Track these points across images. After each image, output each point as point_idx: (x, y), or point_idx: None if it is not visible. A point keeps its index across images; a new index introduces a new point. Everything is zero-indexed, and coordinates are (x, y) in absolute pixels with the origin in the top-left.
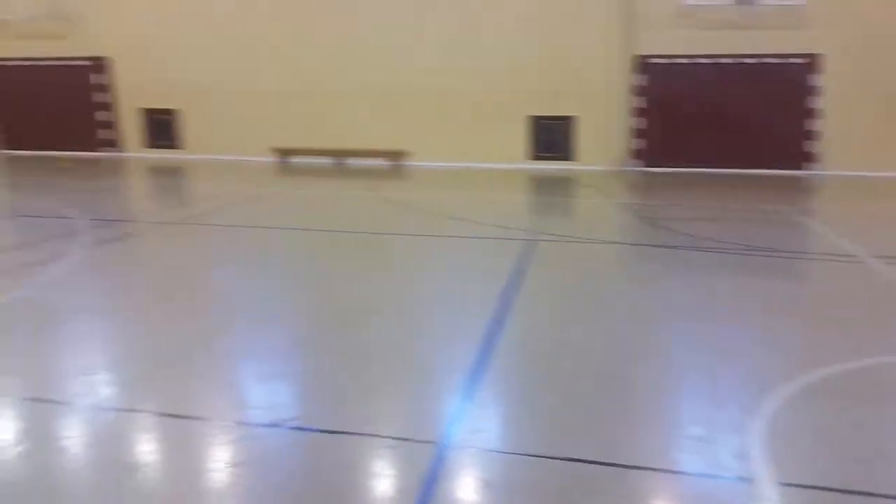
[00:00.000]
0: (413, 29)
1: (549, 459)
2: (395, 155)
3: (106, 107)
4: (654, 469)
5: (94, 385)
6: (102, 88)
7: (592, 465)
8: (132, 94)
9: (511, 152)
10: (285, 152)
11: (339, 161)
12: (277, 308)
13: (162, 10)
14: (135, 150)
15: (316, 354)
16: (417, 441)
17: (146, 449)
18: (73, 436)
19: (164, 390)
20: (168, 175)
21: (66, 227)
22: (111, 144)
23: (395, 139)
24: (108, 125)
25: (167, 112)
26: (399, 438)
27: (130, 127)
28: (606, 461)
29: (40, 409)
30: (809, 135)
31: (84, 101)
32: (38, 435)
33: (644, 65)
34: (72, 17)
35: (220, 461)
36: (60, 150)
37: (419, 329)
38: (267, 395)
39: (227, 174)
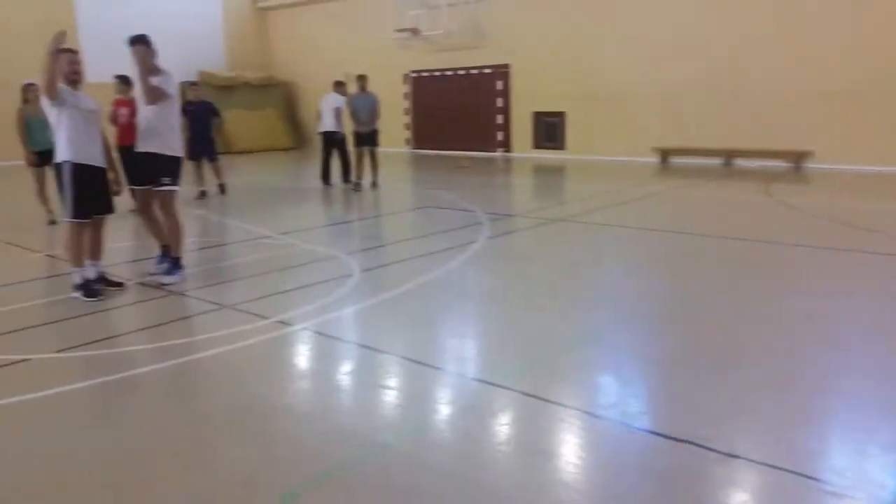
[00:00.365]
0: (820, 25)
1: None
2: (797, 156)
3: (503, 111)
4: None
5: (496, 363)
6: (503, 94)
7: None
8: (526, 99)
9: None
10: (667, 152)
11: (728, 161)
12: (666, 313)
13: (557, 20)
14: (522, 150)
15: (723, 369)
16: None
17: (560, 440)
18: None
19: (558, 376)
20: (552, 174)
21: (468, 218)
22: (504, 145)
23: (795, 138)
24: (503, 127)
25: (555, 115)
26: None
27: (521, 129)
28: None
29: (425, 373)
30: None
31: (488, 106)
32: (466, 407)
33: None
34: (485, 29)
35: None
36: (460, 150)
37: (838, 357)
38: (658, 400)
39: (608, 174)
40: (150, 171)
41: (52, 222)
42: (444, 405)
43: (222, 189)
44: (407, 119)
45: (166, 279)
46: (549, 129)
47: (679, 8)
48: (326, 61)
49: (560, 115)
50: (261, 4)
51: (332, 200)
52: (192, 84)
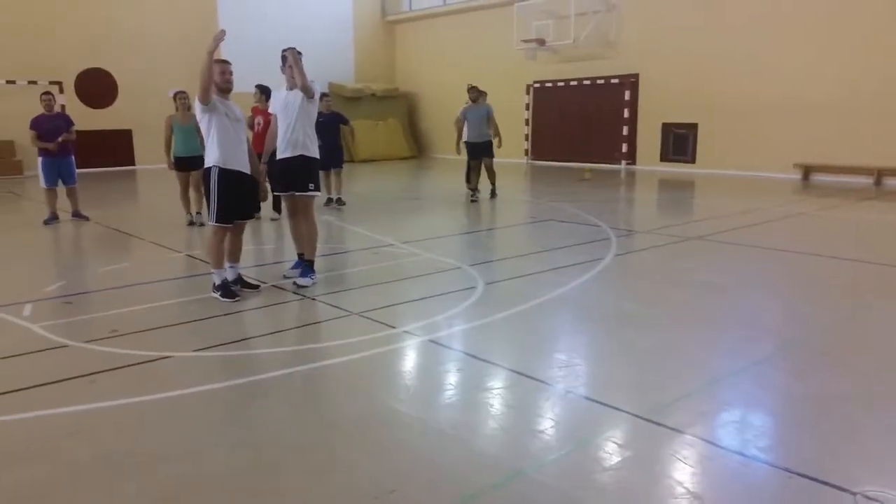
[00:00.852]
0: None
1: None
2: None
3: (629, 121)
4: None
5: (641, 392)
6: (630, 104)
7: None
8: (654, 109)
9: None
10: (810, 169)
11: (878, 180)
12: (812, 343)
13: (689, 29)
14: (649, 163)
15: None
16: None
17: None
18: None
19: (695, 408)
20: (682, 189)
21: (594, 233)
22: (629, 157)
23: None
24: (629, 139)
25: (686, 126)
26: None
27: (648, 141)
28: None
29: (595, 409)
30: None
31: (613, 117)
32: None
33: None
34: (613, 38)
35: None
36: (581, 161)
37: None
38: (799, 438)
39: (744, 190)
40: (302, 176)
41: (191, 223)
42: (572, 430)
43: (339, 202)
44: (527, 130)
45: (301, 281)
46: (679, 142)
47: (822, 20)
48: (449, 72)
49: (691, 127)
50: (389, 18)
51: (454, 210)
52: (323, 95)
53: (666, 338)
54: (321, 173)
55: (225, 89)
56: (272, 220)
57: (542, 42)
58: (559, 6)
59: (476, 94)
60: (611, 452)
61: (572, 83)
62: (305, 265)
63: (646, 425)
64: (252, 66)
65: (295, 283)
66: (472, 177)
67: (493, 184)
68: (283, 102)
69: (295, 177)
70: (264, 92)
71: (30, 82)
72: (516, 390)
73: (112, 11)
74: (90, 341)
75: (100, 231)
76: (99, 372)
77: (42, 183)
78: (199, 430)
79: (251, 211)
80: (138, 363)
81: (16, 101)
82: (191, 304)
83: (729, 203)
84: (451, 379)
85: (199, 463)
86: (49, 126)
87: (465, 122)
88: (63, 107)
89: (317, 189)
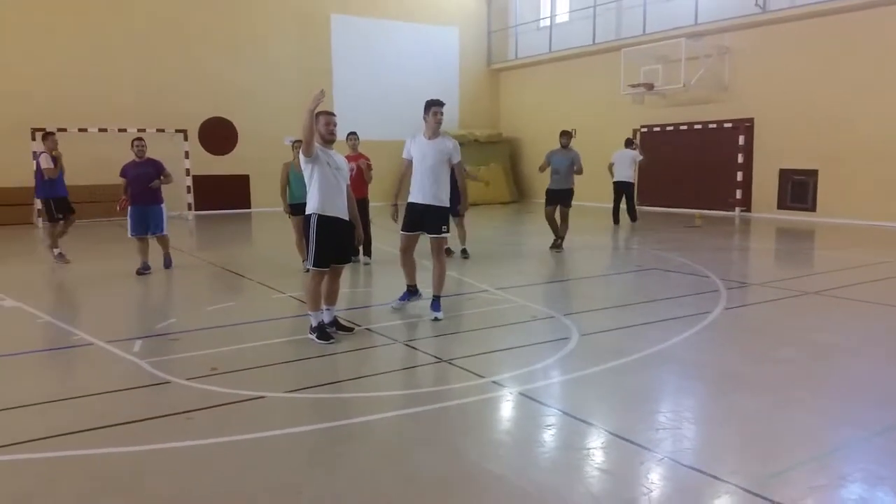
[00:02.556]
0: None
1: None
2: None
3: (744, 167)
4: None
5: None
6: (745, 149)
7: None
8: (771, 155)
9: None
10: None
11: None
12: None
13: (808, 72)
14: (764, 210)
15: None
16: None
17: None
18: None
19: (804, 482)
20: (800, 239)
21: (702, 285)
22: (743, 204)
23: None
24: (743, 185)
25: (805, 172)
26: None
27: (764, 187)
28: None
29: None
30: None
31: (726, 162)
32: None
33: None
34: (726, 82)
35: None
36: (690, 207)
37: None
38: None
39: (870, 241)
40: (435, 220)
41: (308, 270)
42: (669, 501)
43: (464, 253)
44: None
45: (435, 314)
46: (798, 189)
47: None
48: (552, 117)
49: (811, 174)
50: (495, 66)
51: (553, 257)
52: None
53: (776, 402)
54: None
55: (329, 140)
56: (364, 264)
57: (650, 86)
58: (669, 50)
59: (567, 140)
60: None
61: (682, 127)
62: (434, 300)
63: (750, 499)
64: (360, 114)
65: (435, 319)
66: (550, 224)
67: (561, 236)
68: (422, 151)
69: (430, 219)
70: (356, 138)
71: (158, 130)
72: (610, 453)
73: (234, 65)
74: (191, 378)
75: (212, 271)
76: (195, 410)
77: (129, 232)
78: (284, 473)
79: (348, 255)
80: (233, 402)
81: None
82: (288, 345)
83: (851, 255)
84: (540, 436)
85: None
86: (137, 172)
87: (552, 168)
88: (157, 163)
89: (447, 231)
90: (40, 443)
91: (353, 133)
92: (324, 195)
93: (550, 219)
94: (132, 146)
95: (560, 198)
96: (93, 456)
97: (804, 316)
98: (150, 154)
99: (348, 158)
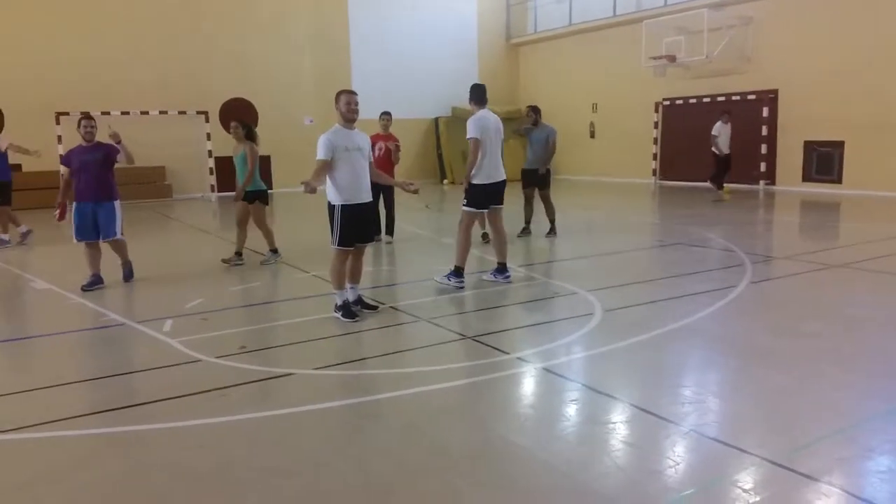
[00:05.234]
0: None
1: None
2: None
3: (768, 140)
4: None
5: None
6: (769, 121)
7: None
8: (796, 127)
9: None
10: None
11: None
12: None
13: (834, 41)
14: (789, 183)
15: None
16: None
17: None
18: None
19: (835, 457)
20: (827, 211)
21: (726, 259)
22: (767, 177)
23: None
24: (768, 158)
25: (831, 144)
26: None
27: (789, 160)
28: None
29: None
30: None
31: (750, 135)
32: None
33: None
34: (750, 53)
35: None
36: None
37: None
38: None
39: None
40: (502, 194)
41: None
42: (694, 472)
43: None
44: (655, 149)
45: (498, 278)
46: (823, 161)
47: None
48: (573, 92)
49: (837, 145)
50: (514, 41)
51: (573, 233)
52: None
53: (802, 375)
54: None
55: (350, 119)
56: (386, 243)
57: (672, 58)
58: (691, 22)
59: (537, 116)
60: (735, 499)
61: (705, 100)
62: (500, 266)
63: (776, 470)
64: (379, 92)
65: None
66: (526, 209)
67: (551, 219)
68: (496, 127)
69: (501, 195)
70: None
71: (179, 112)
72: (635, 426)
73: (253, 46)
74: (221, 356)
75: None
76: (228, 387)
77: (74, 236)
78: (316, 447)
79: (371, 235)
80: (264, 379)
81: (168, 130)
82: (314, 323)
83: (879, 227)
84: (565, 410)
85: (315, 480)
86: (84, 159)
87: (529, 145)
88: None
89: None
90: (81, 419)
91: (387, 113)
92: (346, 184)
93: (529, 202)
94: (79, 127)
95: (538, 179)
96: (132, 432)
97: (830, 289)
98: (178, 135)
99: (378, 138)
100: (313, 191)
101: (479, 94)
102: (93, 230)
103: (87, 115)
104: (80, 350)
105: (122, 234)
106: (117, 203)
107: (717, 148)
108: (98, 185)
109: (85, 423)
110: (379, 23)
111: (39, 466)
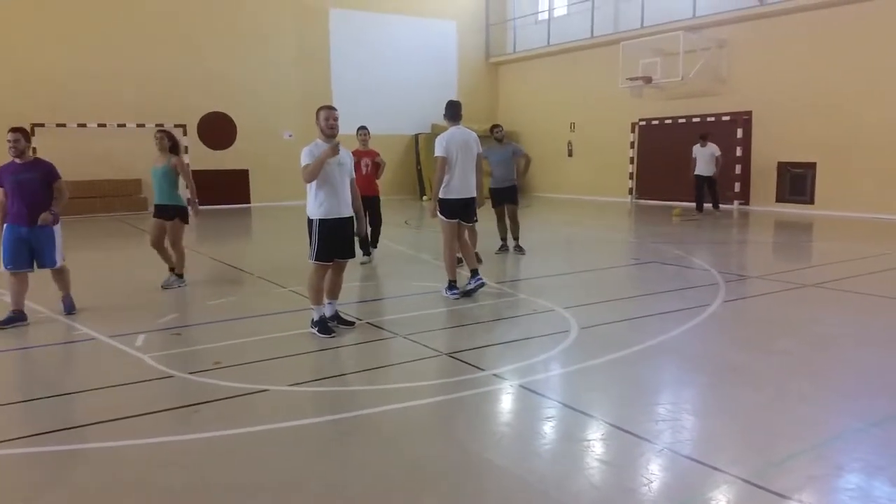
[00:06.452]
0: None
1: None
2: None
3: (742, 160)
4: None
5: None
6: (742, 142)
7: None
8: (769, 148)
9: None
10: None
11: None
12: None
13: (806, 64)
14: (763, 203)
15: None
16: None
17: None
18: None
19: (807, 475)
20: (799, 231)
21: (700, 277)
22: (741, 197)
23: None
24: (742, 178)
25: (804, 165)
26: None
27: (762, 180)
28: None
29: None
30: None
31: (725, 155)
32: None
33: None
34: (724, 75)
35: None
36: (690, 200)
37: None
38: None
39: (870, 234)
40: (473, 211)
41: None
42: (668, 491)
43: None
44: (631, 168)
45: (471, 283)
46: (796, 182)
47: None
48: (551, 111)
49: (810, 167)
50: (493, 59)
51: (550, 251)
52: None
53: (774, 393)
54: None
55: (329, 135)
56: (361, 263)
57: (648, 80)
58: (667, 44)
59: (501, 134)
60: None
61: (680, 120)
62: (473, 274)
63: (749, 489)
64: (359, 108)
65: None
66: (499, 227)
67: (515, 237)
68: (465, 145)
69: (473, 210)
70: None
71: (157, 125)
72: (610, 444)
73: (233, 60)
74: (194, 372)
75: (213, 265)
76: (200, 403)
77: (3, 263)
78: (288, 465)
79: (351, 250)
80: (237, 395)
81: (144, 143)
82: (290, 339)
83: (851, 247)
84: (541, 428)
85: (282, 499)
86: (18, 178)
87: (489, 165)
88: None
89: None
90: (50, 436)
91: (364, 127)
92: (326, 198)
93: (501, 220)
94: (7, 143)
95: (505, 196)
96: (102, 449)
97: (802, 308)
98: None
99: (359, 154)
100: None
101: (451, 111)
102: (27, 258)
103: (14, 129)
104: (49, 365)
105: (63, 261)
106: (57, 228)
107: (697, 170)
108: (34, 207)
109: (54, 439)
110: (359, 39)
111: (6, 484)
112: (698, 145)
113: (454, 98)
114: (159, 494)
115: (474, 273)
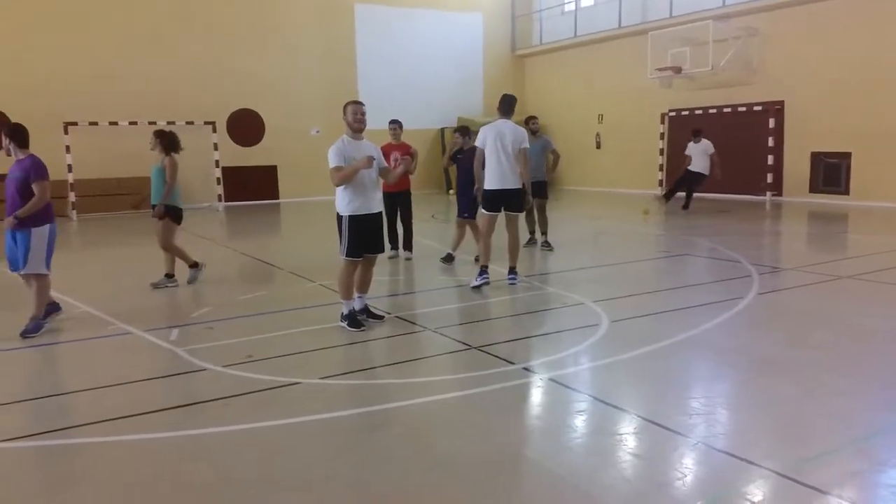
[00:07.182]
0: None
1: None
2: None
3: (774, 150)
4: None
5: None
6: (775, 132)
7: None
8: (802, 138)
9: None
10: None
11: None
12: None
13: (840, 52)
14: (796, 194)
15: None
16: None
17: None
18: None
19: (845, 470)
20: (834, 222)
21: (733, 270)
22: (774, 188)
23: None
24: (774, 169)
25: (838, 155)
26: None
27: (795, 171)
28: None
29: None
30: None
31: (756, 146)
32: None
33: None
34: (756, 64)
35: None
36: (721, 193)
37: None
38: None
39: None
40: (519, 200)
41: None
42: (701, 485)
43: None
44: (661, 160)
45: (478, 282)
46: (831, 172)
47: None
48: (578, 103)
49: (844, 156)
50: (519, 52)
51: (580, 244)
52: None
53: (810, 387)
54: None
55: (357, 129)
56: (406, 259)
57: (678, 70)
58: (697, 33)
59: (536, 126)
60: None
61: (711, 111)
62: (512, 270)
63: (785, 483)
64: (385, 103)
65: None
66: (527, 220)
67: (544, 232)
68: (500, 137)
69: (519, 200)
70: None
71: (187, 122)
72: (642, 438)
73: (260, 57)
74: (227, 366)
75: (244, 260)
76: (232, 396)
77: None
78: (316, 459)
79: (381, 245)
80: (269, 388)
81: None
82: (320, 333)
83: (888, 239)
84: (572, 421)
85: (309, 494)
86: (7, 177)
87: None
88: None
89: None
90: (86, 428)
91: (396, 121)
92: (356, 196)
93: (530, 213)
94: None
95: (534, 190)
96: (136, 441)
97: (839, 300)
98: (185, 146)
99: (391, 148)
100: (370, 165)
101: (502, 105)
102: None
103: None
104: (86, 358)
105: (39, 270)
106: (35, 231)
107: (690, 165)
108: (12, 208)
109: (90, 431)
110: (385, 33)
111: (46, 476)
112: (692, 142)
113: (481, 92)
114: (189, 487)
115: (483, 270)
